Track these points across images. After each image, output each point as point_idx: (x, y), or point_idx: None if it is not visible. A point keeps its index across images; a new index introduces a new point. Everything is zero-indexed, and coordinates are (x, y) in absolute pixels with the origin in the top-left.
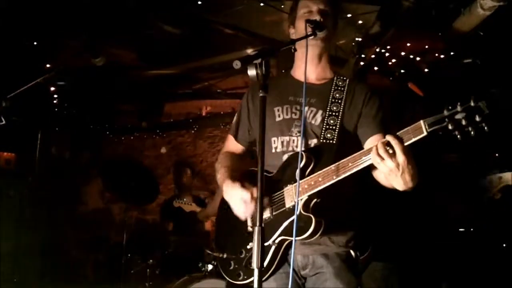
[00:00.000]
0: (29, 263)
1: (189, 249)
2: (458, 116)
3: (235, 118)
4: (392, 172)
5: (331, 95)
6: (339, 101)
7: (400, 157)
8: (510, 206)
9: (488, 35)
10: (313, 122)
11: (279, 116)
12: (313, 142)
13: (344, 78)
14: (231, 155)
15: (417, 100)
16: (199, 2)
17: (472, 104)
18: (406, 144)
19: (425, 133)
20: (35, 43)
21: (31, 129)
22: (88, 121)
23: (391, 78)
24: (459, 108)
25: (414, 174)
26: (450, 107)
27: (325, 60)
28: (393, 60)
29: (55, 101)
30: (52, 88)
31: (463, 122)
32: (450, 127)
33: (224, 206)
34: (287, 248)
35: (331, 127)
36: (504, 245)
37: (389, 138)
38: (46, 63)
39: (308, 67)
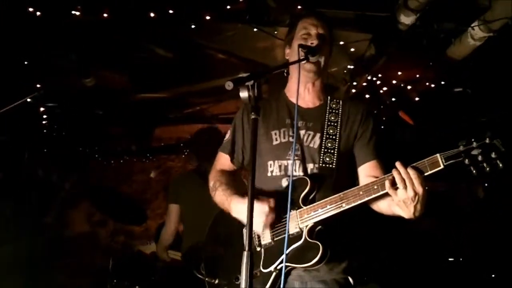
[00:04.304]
0: None
1: (176, 274)
2: (474, 152)
3: (227, 136)
4: (407, 200)
5: (326, 118)
6: (335, 124)
7: (420, 187)
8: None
9: (478, 65)
10: (311, 145)
11: (276, 140)
12: (311, 166)
13: (338, 100)
14: (227, 173)
15: (407, 128)
16: (193, 26)
17: (487, 141)
18: (425, 174)
19: (442, 166)
20: (25, 62)
21: (18, 149)
22: (77, 143)
23: (382, 106)
24: (474, 144)
25: (424, 205)
26: (465, 143)
27: (318, 85)
28: (384, 88)
29: (44, 122)
30: (42, 109)
31: (479, 158)
32: (466, 162)
33: (215, 228)
34: (287, 275)
35: (329, 150)
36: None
37: (409, 170)
38: (36, 83)
39: (302, 90)
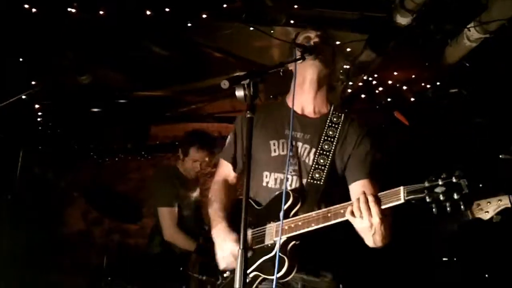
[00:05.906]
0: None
1: (171, 271)
2: (437, 190)
3: (228, 144)
4: (364, 230)
5: (324, 132)
6: (332, 140)
7: (375, 218)
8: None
9: (474, 66)
10: (306, 160)
11: (274, 151)
12: (304, 181)
13: (340, 114)
14: (225, 186)
15: (402, 129)
16: (189, 25)
17: (453, 180)
18: (382, 207)
19: (402, 201)
20: (20, 59)
21: (14, 146)
22: (72, 141)
23: (377, 106)
24: (440, 182)
25: (386, 235)
26: (432, 178)
27: (323, 91)
28: (380, 89)
29: (39, 119)
30: (37, 106)
31: (441, 197)
32: (427, 199)
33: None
34: (255, 283)
35: (320, 167)
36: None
37: (369, 198)
38: (31, 80)
39: (305, 96)
